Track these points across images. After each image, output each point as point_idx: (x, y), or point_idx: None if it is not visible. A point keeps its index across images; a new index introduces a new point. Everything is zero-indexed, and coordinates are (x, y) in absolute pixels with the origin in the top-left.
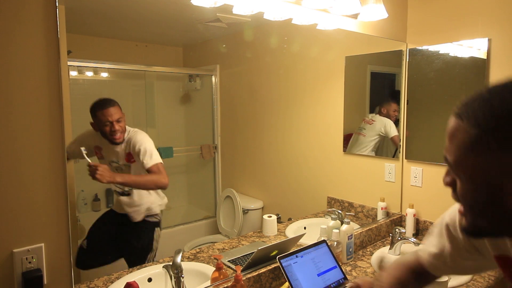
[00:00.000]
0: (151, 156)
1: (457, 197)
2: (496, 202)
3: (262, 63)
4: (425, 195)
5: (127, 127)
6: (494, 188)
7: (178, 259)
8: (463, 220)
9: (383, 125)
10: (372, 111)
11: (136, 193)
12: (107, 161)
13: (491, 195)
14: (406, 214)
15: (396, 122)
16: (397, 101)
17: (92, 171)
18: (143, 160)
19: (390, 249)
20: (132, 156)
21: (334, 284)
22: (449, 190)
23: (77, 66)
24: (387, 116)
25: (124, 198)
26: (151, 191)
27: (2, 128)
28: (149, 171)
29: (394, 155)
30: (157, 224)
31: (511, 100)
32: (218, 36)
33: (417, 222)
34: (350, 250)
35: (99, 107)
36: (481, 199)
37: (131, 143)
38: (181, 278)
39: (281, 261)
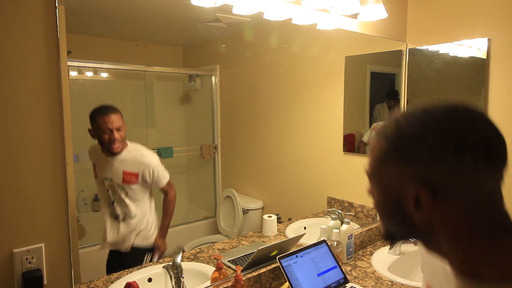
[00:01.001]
0: (163, 175)
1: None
2: (399, 208)
3: (262, 63)
4: None
5: (127, 142)
6: (396, 195)
7: (178, 259)
8: (382, 228)
9: None
10: (372, 111)
11: (131, 221)
12: (100, 179)
13: (394, 202)
14: None
15: None
16: (395, 100)
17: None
18: (157, 181)
19: (390, 249)
20: (132, 177)
21: (334, 284)
22: None
23: (77, 66)
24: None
25: (122, 225)
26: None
27: (1, 128)
28: (163, 189)
29: None
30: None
31: (413, 125)
32: (218, 36)
33: None
34: (350, 250)
35: (100, 113)
36: (389, 206)
37: (137, 162)
38: (181, 278)
39: (281, 261)
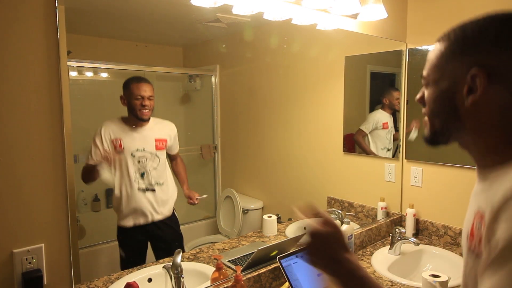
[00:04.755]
0: (178, 145)
1: (425, 109)
2: (450, 100)
3: (262, 63)
4: (425, 195)
5: (151, 117)
6: (451, 86)
7: (178, 259)
8: (426, 130)
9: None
10: (372, 110)
11: (161, 187)
12: (129, 152)
13: (447, 94)
14: (406, 214)
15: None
16: (398, 90)
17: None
18: (174, 147)
19: (390, 249)
20: (163, 142)
21: None
22: (449, 190)
23: (77, 66)
24: (390, 106)
25: (152, 194)
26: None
27: (1, 128)
28: (174, 157)
29: (394, 155)
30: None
31: (482, 26)
32: (218, 36)
33: (417, 222)
34: (350, 250)
35: (135, 81)
36: (440, 99)
37: (165, 129)
38: (181, 278)
39: (281, 261)
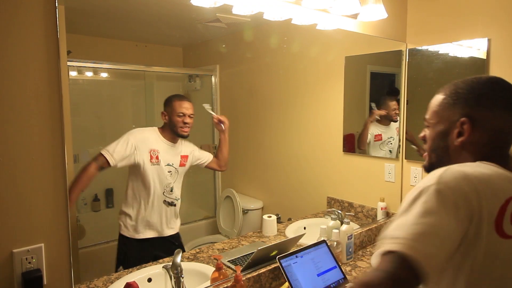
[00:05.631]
0: (206, 154)
1: (425, 145)
2: (444, 140)
3: (262, 63)
4: None
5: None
6: (445, 129)
7: (178, 259)
8: (425, 161)
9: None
10: (372, 110)
11: (178, 203)
12: (163, 165)
13: (443, 134)
14: None
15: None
16: (395, 99)
17: None
18: (201, 156)
19: None
20: (185, 159)
21: (333, 284)
22: None
23: (77, 66)
24: (387, 117)
25: (171, 209)
26: None
27: (1, 128)
28: (211, 166)
29: (396, 156)
30: None
31: (466, 84)
32: (217, 36)
33: None
34: (350, 250)
35: (178, 98)
36: (438, 138)
37: (186, 145)
38: (181, 278)
39: (281, 261)
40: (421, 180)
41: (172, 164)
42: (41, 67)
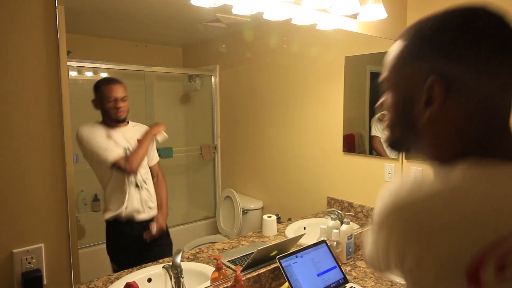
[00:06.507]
0: (156, 154)
1: (386, 115)
2: (408, 110)
3: (261, 63)
4: None
5: (128, 120)
6: (408, 96)
7: (178, 259)
8: (386, 135)
9: None
10: (372, 111)
11: (147, 187)
12: (121, 148)
13: (405, 103)
14: None
15: None
16: None
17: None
18: (152, 156)
19: None
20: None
21: (333, 284)
22: None
23: (77, 66)
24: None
25: (142, 193)
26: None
27: (1, 128)
28: (154, 171)
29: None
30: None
31: (432, 22)
32: (217, 36)
33: None
34: (350, 250)
35: (105, 82)
36: (399, 108)
37: (141, 129)
38: (181, 278)
39: (281, 261)
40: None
41: (129, 147)
42: (41, 67)
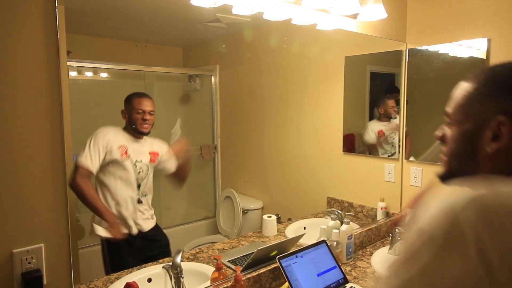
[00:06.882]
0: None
1: (445, 147)
2: (471, 143)
3: (261, 63)
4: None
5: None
6: (474, 130)
7: (178, 259)
8: (442, 168)
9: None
10: (372, 110)
11: (146, 199)
12: (133, 161)
13: (469, 137)
14: (406, 214)
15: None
16: (394, 97)
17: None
18: (171, 164)
19: (390, 249)
20: (155, 156)
21: (333, 284)
22: None
23: (77, 66)
24: (386, 115)
25: (143, 207)
26: None
27: (1, 128)
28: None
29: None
30: None
31: (507, 68)
32: (217, 36)
33: None
34: (350, 250)
35: (137, 95)
36: (463, 140)
37: (156, 144)
38: (181, 278)
39: (281, 261)
40: (433, 195)
41: (141, 160)
42: (41, 67)
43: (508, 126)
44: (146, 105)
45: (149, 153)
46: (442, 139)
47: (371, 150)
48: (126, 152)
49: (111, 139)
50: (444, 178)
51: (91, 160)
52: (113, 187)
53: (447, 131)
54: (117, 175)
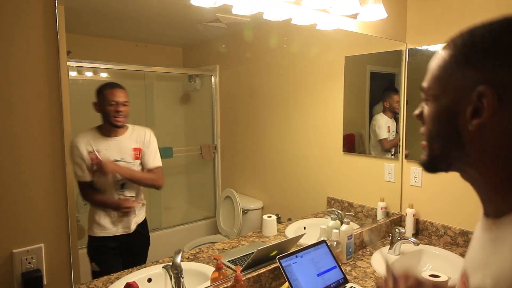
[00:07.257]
0: (156, 157)
1: (424, 127)
2: (451, 122)
3: (261, 63)
4: (425, 195)
5: (128, 125)
6: (453, 105)
7: (178, 259)
8: (423, 154)
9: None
10: (372, 110)
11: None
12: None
13: (449, 113)
14: (406, 214)
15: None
16: (398, 93)
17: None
18: (148, 158)
19: (390, 249)
20: (138, 152)
21: (334, 284)
22: (448, 190)
23: (77, 66)
24: (391, 109)
25: (127, 193)
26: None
27: (1, 129)
28: (148, 170)
29: (394, 155)
30: None
31: (495, 33)
32: (217, 36)
33: (417, 222)
34: (350, 250)
35: (108, 87)
36: (441, 119)
37: (139, 137)
38: (181, 278)
39: (281, 261)
40: None
41: (121, 159)
42: (41, 67)
43: (490, 97)
44: (119, 96)
45: (133, 149)
46: (420, 117)
47: (384, 145)
48: (96, 158)
49: (81, 148)
50: (427, 165)
51: (81, 172)
52: (101, 188)
53: (425, 108)
54: (99, 179)
